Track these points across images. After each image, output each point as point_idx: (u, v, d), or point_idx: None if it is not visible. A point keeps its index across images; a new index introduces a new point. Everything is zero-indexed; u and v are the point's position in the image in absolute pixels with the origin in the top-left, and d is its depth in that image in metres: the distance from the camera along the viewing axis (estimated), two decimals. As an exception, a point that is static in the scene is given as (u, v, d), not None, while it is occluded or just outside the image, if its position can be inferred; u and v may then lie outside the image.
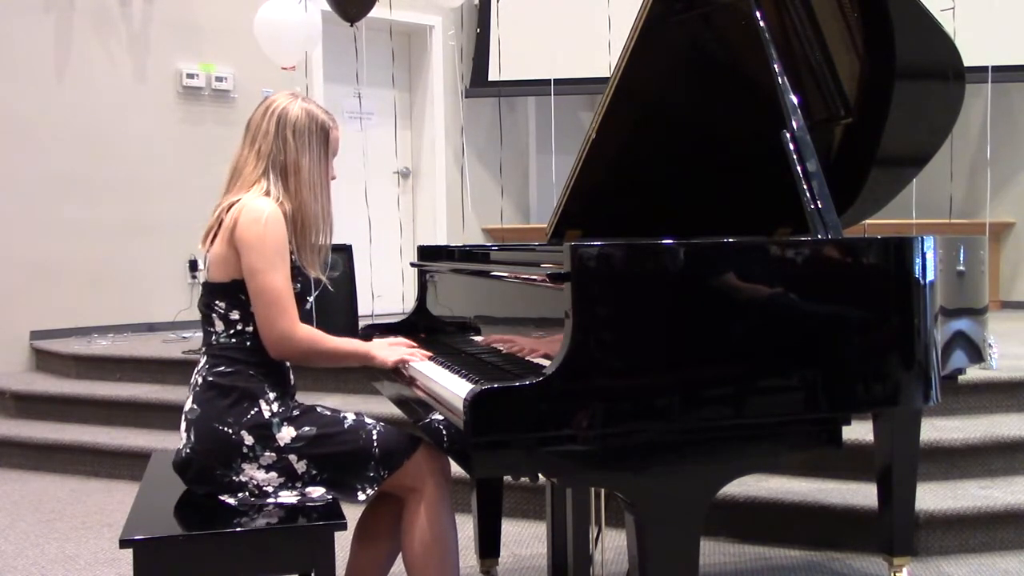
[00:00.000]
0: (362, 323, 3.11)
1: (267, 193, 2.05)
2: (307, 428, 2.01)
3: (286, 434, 1.99)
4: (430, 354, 2.17)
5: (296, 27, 4.90)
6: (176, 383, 4.56)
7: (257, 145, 2.09)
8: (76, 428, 4.43)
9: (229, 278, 2.02)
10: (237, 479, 1.98)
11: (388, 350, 2.17)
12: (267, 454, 1.97)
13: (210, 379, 2.02)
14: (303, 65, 5.67)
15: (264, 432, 1.98)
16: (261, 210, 1.99)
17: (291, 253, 2.04)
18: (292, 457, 1.99)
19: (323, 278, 2.14)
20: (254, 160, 2.08)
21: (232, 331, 2.04)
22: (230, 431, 1.96)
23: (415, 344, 2.24)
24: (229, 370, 2.01)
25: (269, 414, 1.99)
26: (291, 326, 1.98)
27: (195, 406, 2.02)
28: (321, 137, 2.12)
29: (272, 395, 2.02)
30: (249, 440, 1.97)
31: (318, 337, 2.04)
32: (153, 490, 2.12)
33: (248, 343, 2.03)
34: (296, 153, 2.07)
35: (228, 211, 2.03)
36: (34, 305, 5.43)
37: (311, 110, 2.11)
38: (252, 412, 1.98)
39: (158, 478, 2.18)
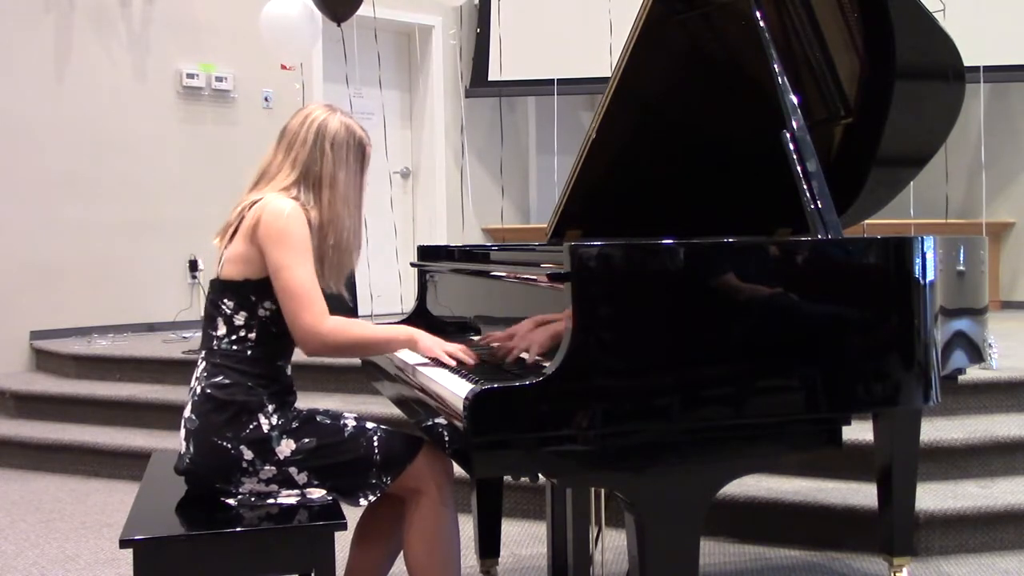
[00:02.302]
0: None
1: (294, 197, 2.03)
2: (307, 440, 1.98)
3: (285, 447, 1.97)
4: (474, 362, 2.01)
5: (302, 25, 4.91)
6: (176, 383, 4.56)
7: (294, 153, 2.06)
8: (76, 428, 4.43)
9: (243, 277, 2.00)
10: (237, 491, 1.98)
11: (437, 343, 2.05)
12: (267, 468, 1.96)
13: (208, 391, 1.98)
14: (302, 65, 5.68)
15: (263, 446, 1.96)
16: (283, 207, 1.97)
17: None
18: (292, 470, 1.97)
19: (344, 292, 2.10)
20: (288, 168, 2.06)
21: (234, 336, 2.01)
22: (229, 446, 1.94)
23: (467, 350, 2.04)
24: (228, 382, 1.98)
25: (268, 427, 1.97)
26: (317, 320, 1.94)
27: (193, 416, 1.99)
28: (358, 153, 2.11)
29: (271, 407, 1.99)
30: (248, 455, 1.95)
31: (351, 326, 1.99)
32: (153, 490, 2.12)
33: (249, 352, 2.00)
34: (333, 166, 2.06)
35: (250, 208, 2.01)
36: (34, 305, 5.42)
37: (350, 125, 2.10)
38: (251, 426, 1.96)
39: (158, 478, 2.18)
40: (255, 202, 2.02)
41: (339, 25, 5.06)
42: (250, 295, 2.00)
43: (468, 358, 2.00)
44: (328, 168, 2.06)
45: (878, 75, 2.46)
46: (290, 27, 4.90)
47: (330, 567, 1.90)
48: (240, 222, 2.02)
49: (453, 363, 1.99)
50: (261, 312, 2.00)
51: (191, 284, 5.95)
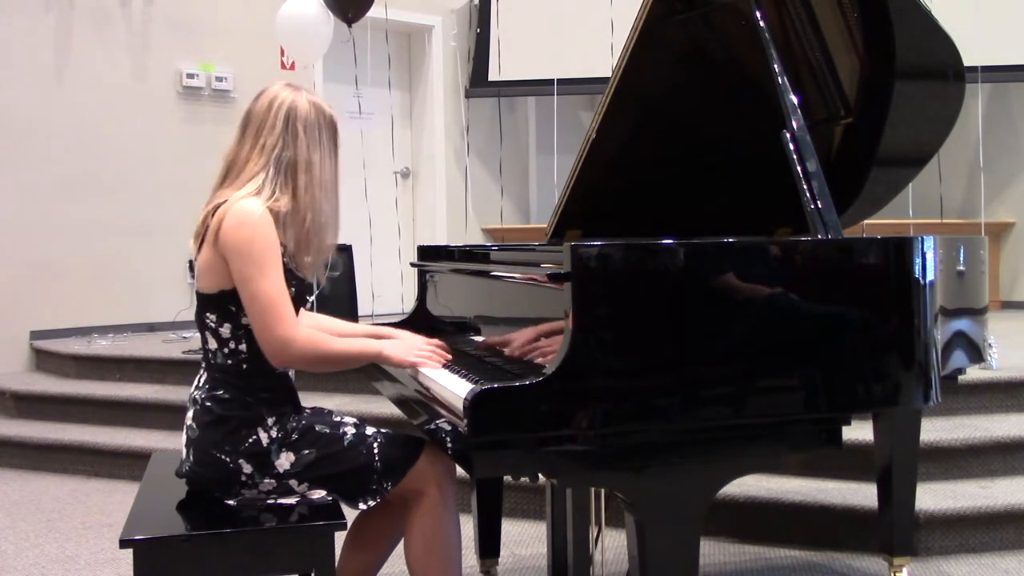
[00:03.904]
0: (362, 323, 3.10)
1: (259, 191, 1.94)
2: (306, 451, 1.96)
3: (284, 460, 1.94)
4: (449, 358, 2.04)
5: (319, 26, 4.91)
6: (176, 383, 4.56)
7: (262, 140, 1.97)
8: (76, 428, 4.43)
9: (217, 288, 1.94)
10: (237, 502, 1.96)
11: (404, 350, 2.02)
12: (266, 481, 1.94)
13: (208, 404, 1.95)
14: (314, 66, 5.67)
15: (262, 460, 1.93)
16: (248, 212, 1.88)
17: (282, 256, 1.94)
18: (292, 482, 1.96)
19: (323, 279, 2.05)
20: (257, 156, 1.97)
21: (226, 350, 1.96)
22: (228, 459, 1.92)
23: (438, 343, 2.09)
24: (227, 396, 1.94)
25: (267, 441, 1.94)
26: (289, 332, 1.87)
27: (194, 424, 1.97)
28: (331, 133, 2.02)
29: (271, 420, 1.95)
30: (247, 468, 1.93)
31: (321, 340, 1.94)
32: (153, 490, 2.12)
33: (244, 365, 1.96)
34: (308, 150, 1.97)
35: (214, 214, 1.93)
36: (34, 305, 5.42)
37: (319, 104, 2.02)
38: (250, 440, 1.93)
39: (158, 478, 2.18)
40: (219, 206, 1.93)
41: (350, 26, 5.05)
42: (229, 305, 1.94)
43: (439, 358, 1.99)
44: (302, 152, 1.97)
45: (878, 75, 2.46)
46: (307, 28, 4.90)
47: (330, 567, 1.90)
48: (206, 230, 1.94)
49: (430, 364, 1.97)
50: (244, 320, 1.94)
51: (191, 284, 5.92)
